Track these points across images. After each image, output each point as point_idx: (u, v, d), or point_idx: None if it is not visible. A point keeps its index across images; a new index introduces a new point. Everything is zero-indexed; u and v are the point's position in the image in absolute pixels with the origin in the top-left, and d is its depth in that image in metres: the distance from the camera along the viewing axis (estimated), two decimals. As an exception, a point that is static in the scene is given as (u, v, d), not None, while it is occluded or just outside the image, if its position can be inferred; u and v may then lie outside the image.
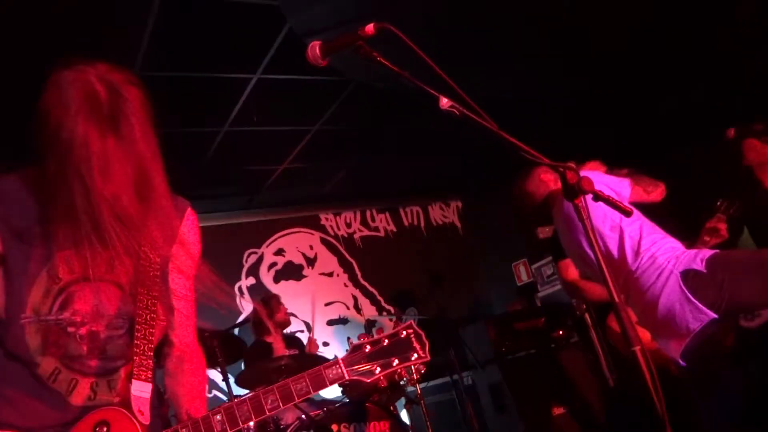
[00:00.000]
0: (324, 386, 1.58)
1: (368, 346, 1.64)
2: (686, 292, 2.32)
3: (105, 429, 1.40)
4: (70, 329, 1.41)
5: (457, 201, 7.55)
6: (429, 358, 1.65)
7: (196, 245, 1.69)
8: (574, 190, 1.55)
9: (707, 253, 2.34)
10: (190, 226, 1.68)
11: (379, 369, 1.61)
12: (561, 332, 4.82)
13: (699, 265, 2.32)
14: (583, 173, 1.58)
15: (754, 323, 3.34)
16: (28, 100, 1.43)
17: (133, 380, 1.46)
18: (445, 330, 5.21)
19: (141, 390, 1.47)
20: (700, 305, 2.29)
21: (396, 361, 1.63)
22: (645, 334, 2.83)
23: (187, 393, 1.63)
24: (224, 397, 4.55)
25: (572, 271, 3.35)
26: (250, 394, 1.57)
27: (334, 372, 1.58)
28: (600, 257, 1.50)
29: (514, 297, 6.60)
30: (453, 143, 5.61)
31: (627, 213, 1.62)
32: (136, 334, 1.47)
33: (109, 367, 1.47)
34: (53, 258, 1.40)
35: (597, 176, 2.56)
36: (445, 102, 1.53)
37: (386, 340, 1.66)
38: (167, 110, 4.38)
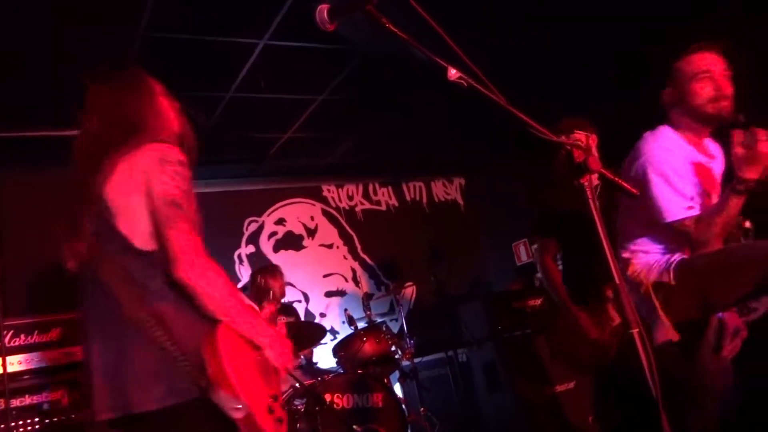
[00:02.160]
0: None
1: None
2: (657, 307, 2.26)
3: None
4: None
5: (461, 178, 7.51)
6: None
7: None
8: (581, 169, 1.52)
9: (676, 260, 2.27)
10: None
11: None
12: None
13: (668, 277, 2.25)
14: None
15: (749, 318, 3.31)
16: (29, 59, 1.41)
17: None
18: (442, 306, 5.21)
19: None
20: (667, 323, 2.24)
21: None
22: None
23: None
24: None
25: (550, 252, 3.35)
26: None
27: None
28: (604, 238, 1.48)
29: (513, 276, 6.60)
30: (459, 120, 5.56)
31: (632, 195, 1.60)
32: None
33: None
34: None
35: None
36: (453, 73, 1.50)
37: None
38: (171, 73, 4.35)
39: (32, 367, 3.46)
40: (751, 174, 2.09)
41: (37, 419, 3.37)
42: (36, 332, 3.53)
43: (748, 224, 2.93)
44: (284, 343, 1.74)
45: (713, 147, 2.48)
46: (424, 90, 4.65)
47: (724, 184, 2.36)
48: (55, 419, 3.40)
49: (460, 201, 7.45)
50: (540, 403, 4.35)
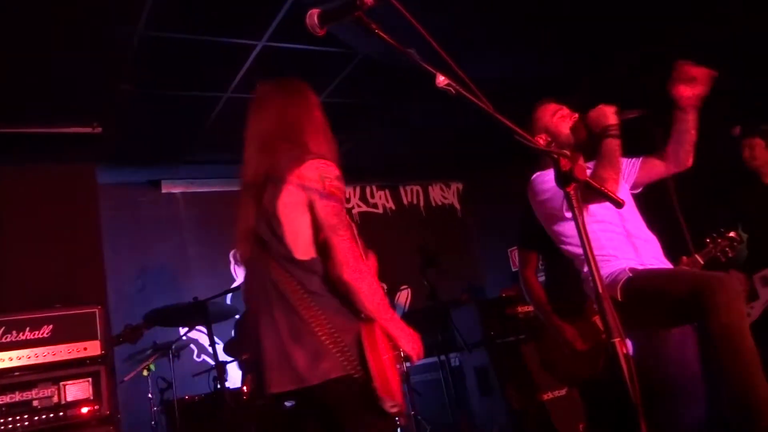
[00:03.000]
0: None
1: None
2: None
3: None
4: None
5: (458, 183, 7.52)
6: None
7: None
8: (567, 178, 1.53)
9: (623, 278, 2.32)
10: None
11: None
12: (551, 320, 4.82)
13: (615, 293, 2.30)
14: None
15: (750, 318, 3.34)
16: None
17: None
18: (436, 311, 5.22)
19: None
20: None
21: None
22: None
23: None
24: (211, 361, 4.58)
25: (531, 266, 3.40)
26: None
27: None
28: (588, 247, 1.49)
29: (508, 282, 6.60)
30: (458, 124, 5.57)
31: (618, 204, 1.60)
32: None
33: None
34: None
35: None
36: (441, 80, 1.51)
37: None
38: (169, 72, 4.35)
39: (23, 363, 3.47)
40: (608, 119, 2.41)
41: (26, 416, 3.37)
42: (28, 329, 3.54)
43: (733, 234, 2.94)
44: (416, 338, 1.97)
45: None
46: (422, 94, 4.66)
47: None
48: (44, 416, 3.40)
49: (458, 206, 7.45)
50: (530, 410, 4.35)
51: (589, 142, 2.53)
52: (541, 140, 2.54)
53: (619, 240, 2.46)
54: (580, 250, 2.38)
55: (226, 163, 5.85)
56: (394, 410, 1.79)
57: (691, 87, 2.39)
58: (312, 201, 1.87)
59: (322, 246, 1.88)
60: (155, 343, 4.12)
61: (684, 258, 2.91)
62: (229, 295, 5.49)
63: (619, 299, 2.28)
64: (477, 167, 6.95)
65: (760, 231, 3.86)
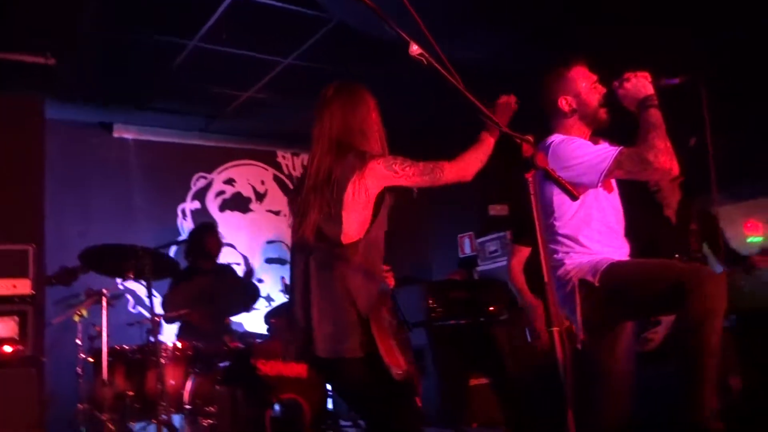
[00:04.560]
0: None
1: None
2: (577, 306, 2.27)
3: None
4: None
5: (418, 164, 7.51)
6: None
7: None
8: (528, 164, 1.53)
9: (605, 263, 2.29)
10: None
11: None
12: (492, 308, 4.90)
13: (593, 278, 2.26)
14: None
15: (646, 347, 3.40)
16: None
17: None
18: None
19: None
20: (580, 323, 2.28)
21: None
22: None
23: None
24: (147, 314, 4.49)
25: (519, 259, 3.41)
26: None
27: None
28: (540, 233, 1.49)
29: (454, 267, 6.67)
30: (422, 105, 5.54)
31: (573, 197, 1.61)
32: None
33: None
34: None
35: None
36: (415, 49, 1.48)
37: None
38: (136, 12, 4.18)
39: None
40: (647, 89, 2.25)
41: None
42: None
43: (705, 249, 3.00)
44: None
45: (604, 143, 2.52)
46: (392, 71, 4.60)
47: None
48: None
49: (414, 187, 7.44)
50: (464, 392, 4.43)
51: (609, 122, 2.42)
52: (565, 104, 2.43)
53: (610, 235, 2.41)
54: (569, 233, 2.38)
55: (184, 114, 5.69)
56: (401, 376, 2.08)
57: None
58: (394, 185, 2.26)
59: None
60: (90, 289, 3.99)
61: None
62: (173, 249, 5.37)
63: (597, 285, 2.23)
64: (437, 150, 6.94)
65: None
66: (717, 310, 2.03)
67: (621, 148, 2.26)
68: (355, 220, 2.19)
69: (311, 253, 2.20)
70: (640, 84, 2.26)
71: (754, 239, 5.58)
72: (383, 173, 2.21)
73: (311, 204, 2.20)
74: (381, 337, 2.09)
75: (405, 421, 2.16)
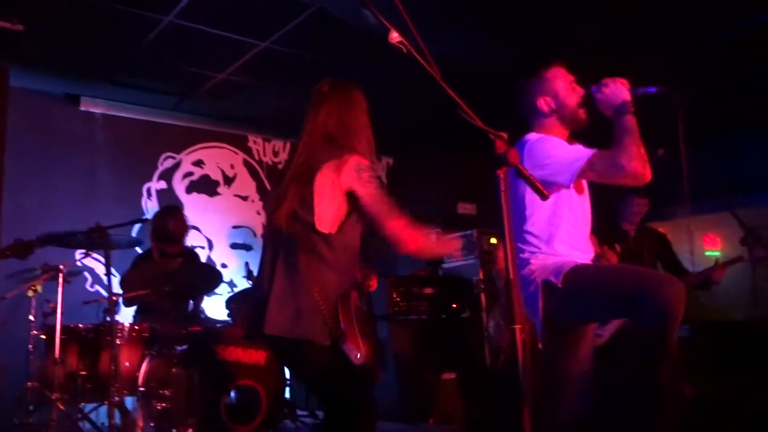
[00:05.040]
0: None
1: None
2: (539, 305, 2.29)
3: None
4: None
5: (389, 158, 7.50)
6: None
7: None
8: (500, 161, 1.53)
9: (570, 264, 2.31)
10: None
11: None
12: (455, 305, 4.93)
13: (557, 279, 2.27)
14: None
15: (596, 343, 3.45)
16: None
17: None
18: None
19: None
20: (541, 322, 2.32)
21: None
22: None
23: None
24: (105, 293, 4.39)
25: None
26: None
27: None
28: (507, 231, 1.49)
29: (421, 263, 6.68)
30: (399, 98, 5.52)
31: (543, 196, 1.62)
32: None
33: None
34: None
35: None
36: (395, 36, 1.46)
37: None
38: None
39: None
40: (624, 95, 2.27)
41: None
42: None
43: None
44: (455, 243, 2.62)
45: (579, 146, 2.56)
46: (370, 62, 4.58)
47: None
48: None
49: (384, 180, 7.44)
50: (422, 387, 4.45)
51: (588, 123, 2.43)
52: (544, 105, 2.45)
53: (577, 237, 2.42)
54: (537, 232, 2.39)
55: (155, 92, 5.57)
56: (360, 360, 2.13)
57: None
58: (353, 189, 2.20)
59: (367, 225, 2.27)
60: (47, 264, 3.88)
61: (605, 246, 2.98)
62: (136, 228, 5.27)
63: (559, 286, 2.25)
64: (409, 144, 6.95)
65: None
66: (675, 315, 2.07)
67: (595, 150, 2.28)
68: (328, 208, 2.19)
69: (284, 239, 2.20)
70: (617, 90, 2.29)
71: (712, 253, 5.74)
72: (350, 172, 2.21)
73: (290, 190, 2.22)
74: (346, 321, 2.12)
75: (360, 409, 2.16)
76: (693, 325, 4.10)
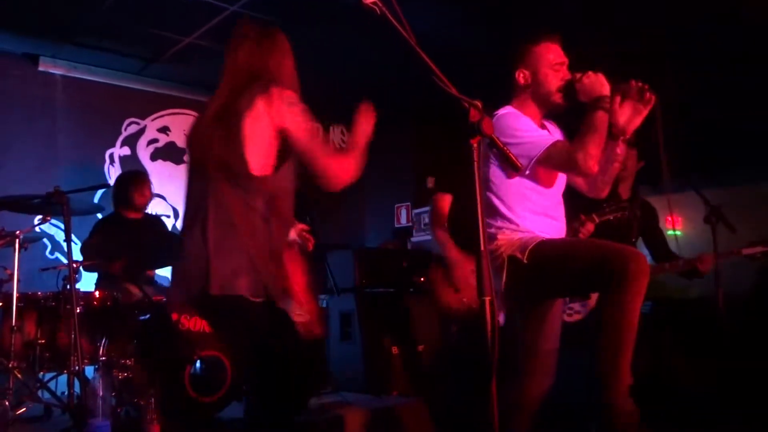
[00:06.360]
0: None
1: None
2: (503, 280, 2.30)
3: None
4: None
5: (343, 126, 7.39)
6: None
7: None
8: (473, 130, 1.50)
9: (536, 240, 2.30)
10: None
11: None
12: (422, 279, 4.94)
13: (522, 255, 2.27)
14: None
15: (572, 318, 3.46)
16: None
17: None
18: (313, 251, 5.17)
19: None
20: (502, 297, 2.32)
21: None
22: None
23: None
24: (65, 260, 4.27)
25: (440, 208, 3.37)
26: None
27: None
28: (480, 203, 1.47)
29: (390, 236, 6.68)
30: (369, 75, 5.44)
31: (515, 167, 1.60)
32: None
33: None
34: None
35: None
36: (369, -3, 1.41)
37: None
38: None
39: None
40: (603, 90, 2.26)
41: None
42: None
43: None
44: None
45: (550, 127, 2.57)
46: (342, 30, 4.49)
47: None
48: None
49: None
50: (386, 359, 4.46)
51: (566, 110, 2.40)
52: (522, 78, 2.41)
53: (547, 223, 2.42)
54: (504, 208, 2.38)
55: (119, 54, 5.38)
56: (302, 318, 2.07)
57: (631, 113, 2.30)
58: (284, 125, 2.06)
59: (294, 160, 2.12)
60: (3, 229, 3.74)
61: (582, 215, 2.97)
62: (98, 194, 5.13)
63: (525, 261, 2.25)
64: (382, 120, 6.87)
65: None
66: (639, 289, 2.09)
67: (555, 140, 2.30)
68: (258, 152, 2.05)
69: (212, 188, 2.07)
70: (598, 83, 2.28)
71: (673, 233, 5.83)
72: (280, 106, 2.07)
73: (216, 135, 2.09)
74: (285, 276, 2.03)
75: (296, 381, 2.06)
76: (655, 303, 4.16)
